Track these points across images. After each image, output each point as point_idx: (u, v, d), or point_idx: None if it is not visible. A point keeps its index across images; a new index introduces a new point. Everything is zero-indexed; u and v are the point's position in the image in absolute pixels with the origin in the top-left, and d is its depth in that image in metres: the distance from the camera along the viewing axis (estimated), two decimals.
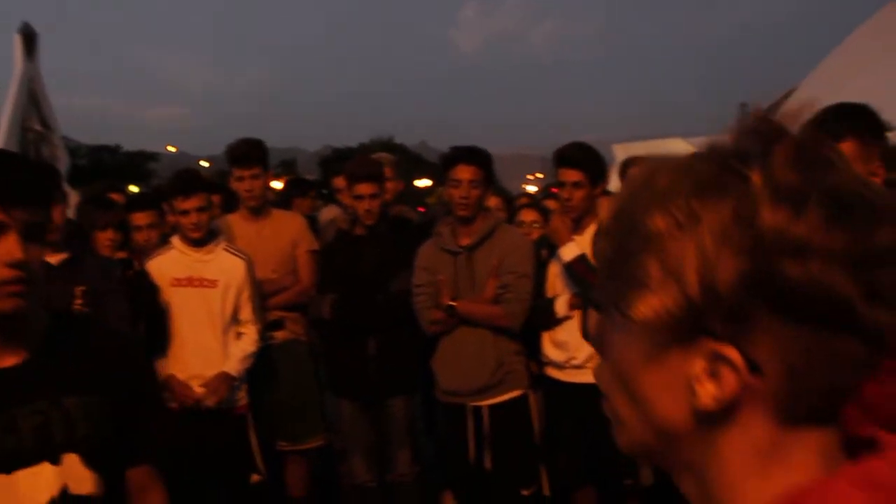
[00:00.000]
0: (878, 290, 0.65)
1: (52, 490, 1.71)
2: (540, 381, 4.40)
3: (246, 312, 4.38)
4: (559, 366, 4.28)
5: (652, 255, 0.69)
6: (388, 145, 64.55)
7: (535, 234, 5.08)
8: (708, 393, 0.68)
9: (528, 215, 5.72)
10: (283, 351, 4.79)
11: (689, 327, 0.68)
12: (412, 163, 55.74)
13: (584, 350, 4.15)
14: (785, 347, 0.66)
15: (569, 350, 4.21)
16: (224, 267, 4.34)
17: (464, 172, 4.15)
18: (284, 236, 4.88)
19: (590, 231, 4.22)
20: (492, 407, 4.20)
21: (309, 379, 4.92)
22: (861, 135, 2.54)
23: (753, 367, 0.67)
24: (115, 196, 5.75)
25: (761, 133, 0.69)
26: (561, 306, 4.22)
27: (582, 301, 4.14)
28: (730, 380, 0.67)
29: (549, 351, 4.31)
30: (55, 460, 1.72)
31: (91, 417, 1.77)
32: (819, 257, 0.64)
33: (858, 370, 0.68)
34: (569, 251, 4.13)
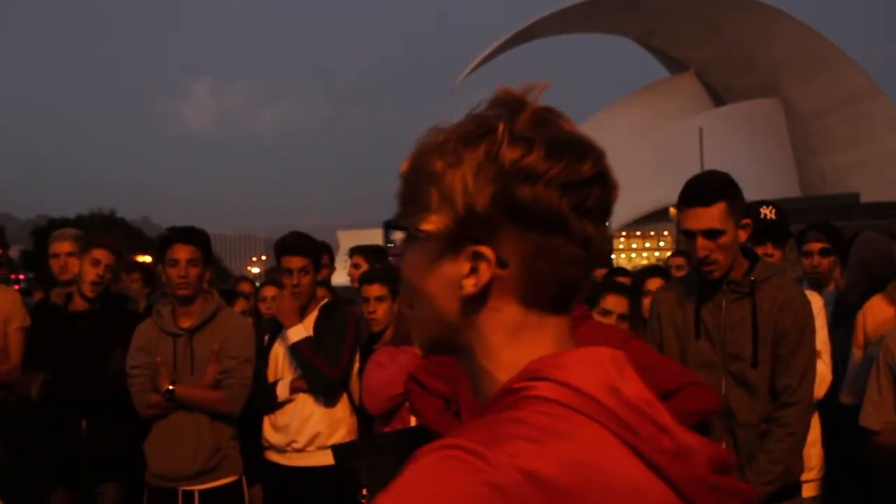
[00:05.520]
0: (585, 207, 0.94)
1: None
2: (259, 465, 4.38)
3: None
4: (280, 450, 4.29)
5: (433, 187, 0.97)
6: (108, 219, 61.54)
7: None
8: (470, 283, 0.96)
9: (269, 291, 6.06)
10: None
11: (457, 237, 0.96)
12: (133, 238, 53.39)
13: (305, 434, 4.21)
14: (522, 248, 0.94)
15: (289, 434, 4.25)
16: None
17: (181, 252, 4.12)
18: None
19: (313, 315, 4.34)
20: (203, 492, 4.11)
21: None
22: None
23: (501, 263, 0.94)
24: None
25: (507, 102, 0.98)
26: (283, 390, 4.26)
27: (305, 384, 4.20)
28: (485, 271, 0.95)
29: (270, 435, 4.32)
30: None
31: None
32: (542, 182, 0.92)
33: (578, 267, 0.97)
34: (295, 333, 4.21)
